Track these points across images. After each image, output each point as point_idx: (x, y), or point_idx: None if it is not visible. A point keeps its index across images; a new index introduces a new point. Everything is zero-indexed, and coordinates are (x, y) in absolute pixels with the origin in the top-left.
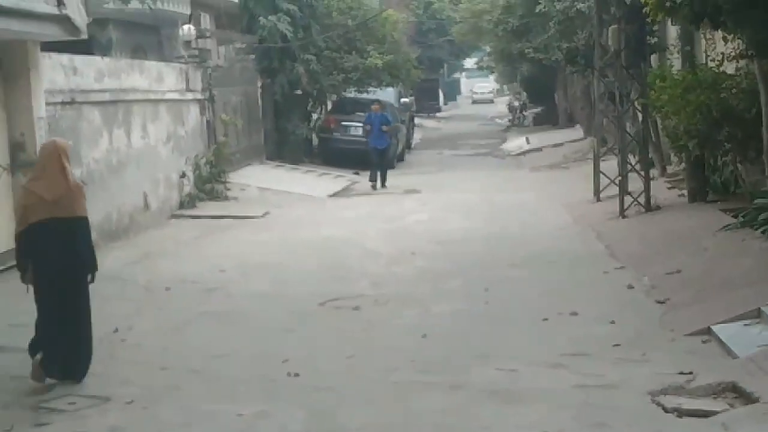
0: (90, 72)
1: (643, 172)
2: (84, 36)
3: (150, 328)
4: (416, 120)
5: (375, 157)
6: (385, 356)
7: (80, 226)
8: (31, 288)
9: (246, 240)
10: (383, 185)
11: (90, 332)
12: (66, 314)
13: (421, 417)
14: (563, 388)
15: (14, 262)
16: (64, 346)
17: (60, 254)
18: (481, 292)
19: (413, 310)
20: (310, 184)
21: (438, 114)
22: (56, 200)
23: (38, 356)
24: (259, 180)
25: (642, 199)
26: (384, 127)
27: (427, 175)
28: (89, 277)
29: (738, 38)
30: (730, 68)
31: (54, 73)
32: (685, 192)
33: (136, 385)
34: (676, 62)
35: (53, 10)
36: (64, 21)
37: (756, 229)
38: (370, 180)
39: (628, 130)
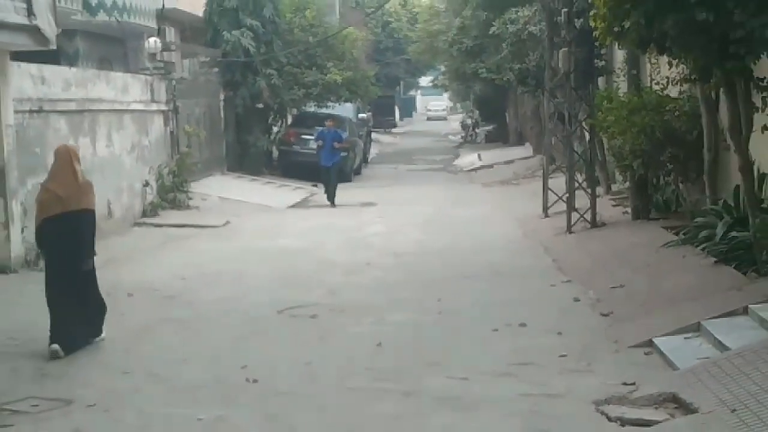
0: (58, 81)
1: (589, 190)
2: (53, 46)
3: (112, 334)
4: (373, 135)
5: (324, 175)
6: (341, 363)
7: (87, 217)
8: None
9: (207, 248)
10: (332, 202)
11: (102, 303)
12: (73, 288)
13: (374, 423)
14: (511, 396)
15: None
16: (70, 314)
17: (69, 241)
18: (434, 303)
19: (369, 319)
20: (270, 195)
21: (394, 129)
22: (68, 196)
23: (53, 346)
24: (220, 190)
25: (588, 216)
26: (336, 144)
27: (383, 188)
28: (88, 261)
29: (682, 63)
30: (673, 92)
31: (22, 81)
32: (629, 209)
33: (97, 388)
34: (622, 85)
35: (24, 20)
36: (34, 31)
37: (696, 246)
38: (328, 200)
39: (575, 149)
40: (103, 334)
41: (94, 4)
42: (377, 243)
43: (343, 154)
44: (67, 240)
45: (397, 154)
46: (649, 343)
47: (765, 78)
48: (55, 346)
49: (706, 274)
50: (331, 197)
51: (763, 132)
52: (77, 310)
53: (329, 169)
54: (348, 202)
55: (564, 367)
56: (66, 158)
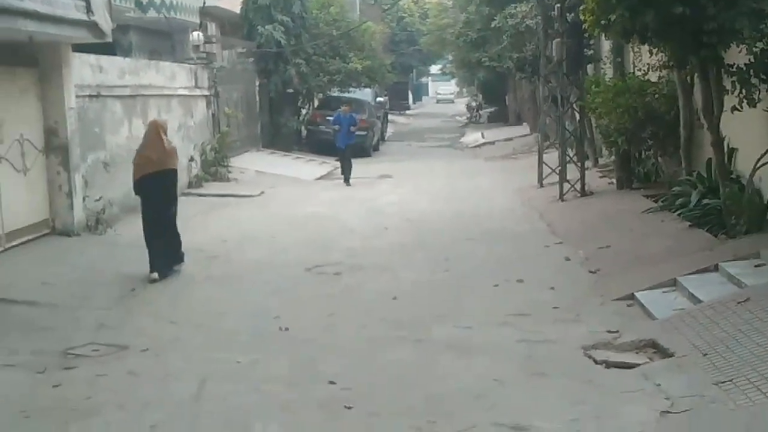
0: (113, 70)
1: (579, 163)
2: (109, 39)
3: (162, 288)
4: (389, 116)
5: (340, 156)
6: (361, 315)
7: (172, 174)
8: None
9: (244, 215)
10: (347, 182)
11: (179, 238)
12: (162, 228)
13: (390, 366)
14: (510, 343)
15: (47, 231)
16: (162, 247)
17: (159, 193)
18: (442, 262)
19: (385, 276)
20: (299, 169)
21: (408, 111)
22: (158, 159)
23: (153, 274)
24: (256, 164)
25: (578, 186)
26: (352, 128)
27: (398, 163)
28: (173, 207)
29: (661, 52)
30: (653, 77)
31: (83, 70)
32: (614, 180)
33: (149, 335)
34: (608, 71)
35: (83, 16)
36: (93, 26)
37: (673, 212)
38: (345, 181)
39: (567, 127)
40: (183, 262)
41: (145, 2)
42: (393, 210)
43: (361, 132)
44: (158, 191)
45: (410, 133)
46: (631, 297)
47: (734, 64)
48: (154, 274)
49: (681, 236)
50: (346, 177)
51: (732, 112)
52: (166, 244)
53: (344, 151)
54: (367, 175)
55: (556, 318)
56: (155, 130)
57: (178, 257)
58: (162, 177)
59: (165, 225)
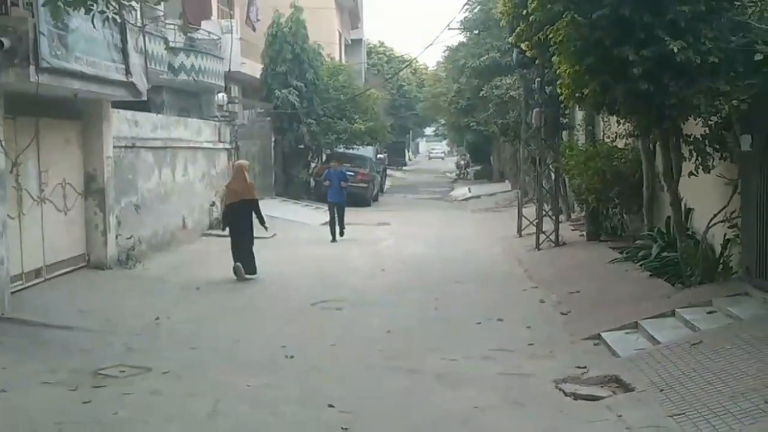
0: (147, 125)
1: (553, 217)
2: (144, 98)
3: (183, 318)
4: (388, 171)
5: (332, 212)
6: (359, 346)
7: (253, 203)
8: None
9: (258, 254)
10: (341, 234)
11: (253, 253)
12: (243, 244)
13: (385, 392)
14: (491, 375)
15: (83, 264)
16: (242, 259)
17: (241, 217)
18: (432, 301)
19: (382, 312)
20: (307, 215)
21: (404, 167)
22: (241, 190)
23: (236, 264)
24: (270, 210)
25: (553, 237)
26: (343, 183)
27: (395, 212)
28: (262, 226)
29: (628, 122)
30: (620, 143)
31: (120, 124)
32: (584, 233)
33: (171, 359)
34: (581, 137)
35: (122, 77)
36: (130, 86)
37: (636, 263)
38: (331, 234)
39: (543, 185)
40: (256, 274)
41: (177, 67)
42: (390, 253)
43: (362, 185)
44: (239, 216)
45: (406, 186)
46: (598, 336)
47: (692, 135)
48: (239, 264)
49: (643, 284)
50: (341, 229)
51: (689, 176)
52: (244, 258)
53: (335, 205)
54: (367, 222)
55: (532, 353)
56: (240, 169)
57: (253, 267)
58: (243, 205)
59: (244, 243)
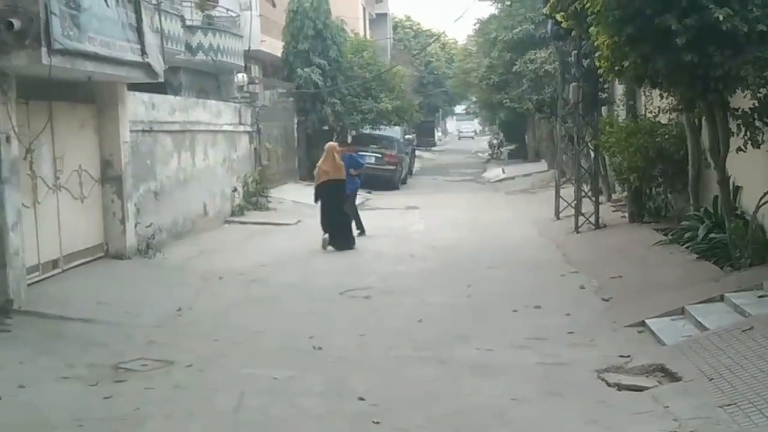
0: (165, 107)
1: (593, 198)
2: (161, 79)
3: (205, 309)
4: (417, 152)
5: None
6: (389, 336)
7: (342, 182)
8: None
9: (282, 242)
10: (360, 231)
11: (350, 228)
12: (335, 218)
13: (415, 384)
14: (528, 364)
15: (102, 254)
16: (335, 235)
17: (332, 196)
18: (465, 288)
19: (412, 300)
20: None
21: (433, 148)
22: (332, 171)
23: (325, 236)
24: (293, 195)
25: (592, 219)
26: (352, 171)
27: (424, 195)
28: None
29: (671, 96)
30: (663, 119)
31: (137, 107)
32: (626, 214)
33: (193, 352)
34: (621, 113)
35: (138, 58)
36: (146, 67)
37: (681, 245)
38: (359, 232)
39: (582, 164)
40: (354, 246)
41: (194, 46)
42: (419, 238)
43: (390, 167)
44: (331, 195)
45: (435, 167)
46: (642, 324)
47: (740, 108)
48: (326, 235)
49: (689, 267)
50: (359, 225)
51: (737, 152)
52: (338, 234)
53: (348, 195)
54: (395, 206)
55: (571, 342)
56: (331, 151)
57: (350, 241)
58: (333, 185)
59: (335, 218)
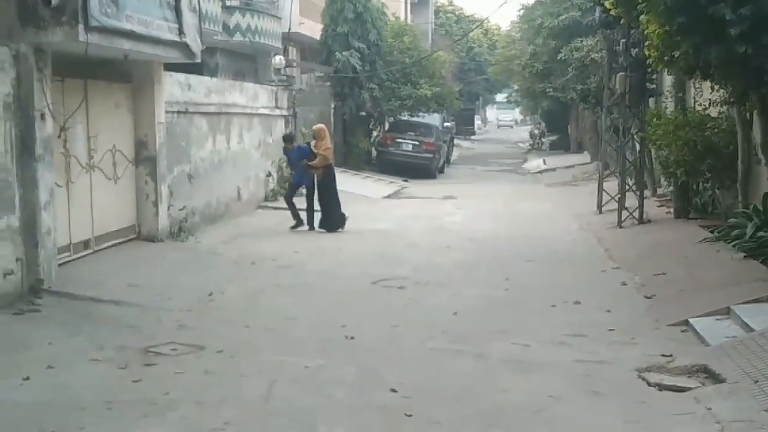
0: (201, 89)
1: (638, 192)
2: (198, 60)
3: (237, 294)
4: (455, 140)
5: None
6: (423, 328)
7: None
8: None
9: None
10: (298, 223)
11: (337, 210)
12: (334, 199)
13: (450, 378)
14: (566, 361)
15: (134, 236)
16: (331, 214)
17: (332, 175)
18: (502, 281)
19: (447, 292)
20: (369, 187)
21: (473, 137)
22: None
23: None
24: None
25: (636, 214)
26: (307, 162)
27: (462, 185)
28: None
29: (722, 88)
30: (713, 112)
31: (173, 87)
32: (671, 210)
33: (224, 338)
34: (670, 105)
35: (176, 38)
36: (184, 47)
37: (728, 243)
38: (308, 223)
39: (627, 157)
40: (341, 229)
41: (232, 27)
42: (456, 229)
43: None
44: (332, 176)
45: (474, 157)
46: (685, 323)
47: None
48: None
49: (736, 266)
50: (309, 219)
51: None
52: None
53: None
54: (432, 195)
55: (612, 340)
56: (324, 130)
57: (329, 224)
58: (332, 167)
59: (333, 198)
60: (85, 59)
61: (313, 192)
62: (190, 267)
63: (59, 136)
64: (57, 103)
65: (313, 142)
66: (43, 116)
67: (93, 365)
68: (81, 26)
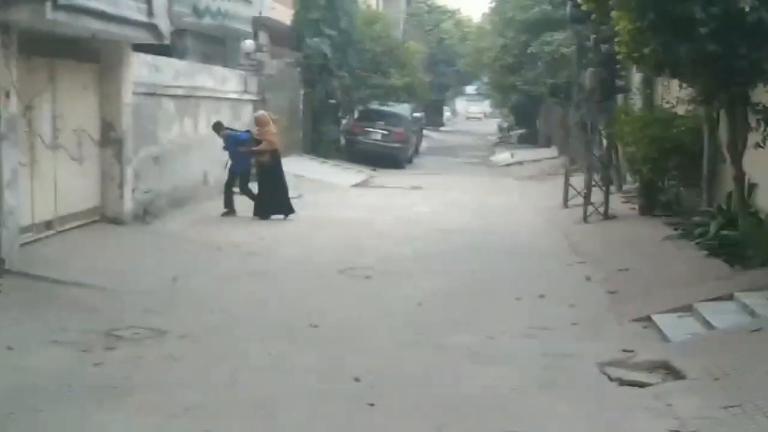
0: (169, 71)
1: (604, 188)
2: (166, 41)
3: (203, 279)
4: (424, 131)
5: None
6: (387, 317)
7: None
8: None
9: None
10: (227, 210)
11: (285, 197)
12: (282, 185)
13: (412, 368)
14: (529, 354)
15: (97, 218)
16: (278, 200)
17: (279, 162)
18: (468, 273)
19: (412, 282)
20: (337, 175)
21: (442, 128)
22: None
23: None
24: (297, 169)
25: (602, 209)
26: (244, 148)
27: (431, 176)
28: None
29: (690, 87)
30: (681, 110)
31: (141, 69)
32: (636, 206)
33: (188, 323)
34: (637, 102)
35: (144, 18)
36: (153, 28)
37: (692, 241)
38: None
39: (594, 153)
40: (290, 215)
41: (201, 9)
42: (423, 220)
43: (396, 145)
44: (279, 163)
45: (443, 148)
46: (648, 319)
47: (760, 103)
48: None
49: (699, 264)
50: (261, 210)
51: (755, 148)
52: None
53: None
54: (400, 185)
55: (575, 334)
56: (266, 118)
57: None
58: (277, 153)
59: (281, 185)
60: (52, 37)
61: (248, 178)
62: (155, 251)
63: (24, 115)
64: (23, 82)
65: (255, 129)
66: (7, 94)
67: (54, 347)
68: (48, 3)
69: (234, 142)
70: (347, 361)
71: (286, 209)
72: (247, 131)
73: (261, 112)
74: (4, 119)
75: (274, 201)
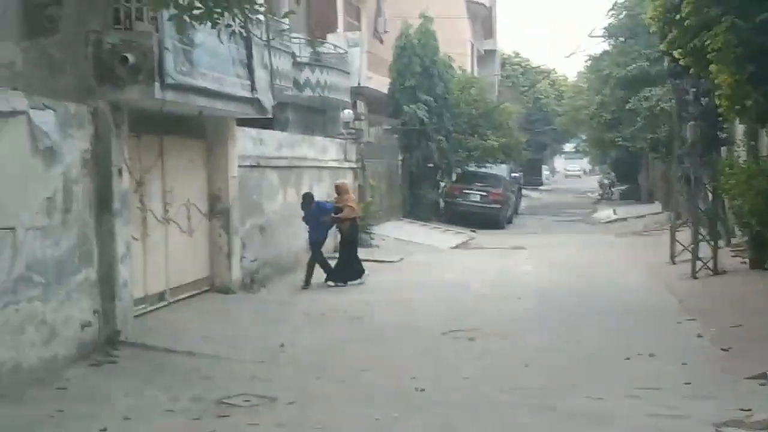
0: (272, 143)
1: (712, 242)
2: (270, 115)
3: (308, 345)
4: (523, 191)
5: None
6: (494, 380)
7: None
8: None
9: (385, 279)
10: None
11: (357, 263)
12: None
13: (523, 431)
14: (641, 416)
15: (207, 288)
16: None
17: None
18: (574, 333)
19: (518, 344)
20: (437, 238)
21: (541, 187)
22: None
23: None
24: (397, 233)
25: (710, 264)
26: (324, 218)
27: (531, 235)
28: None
29: None
30: None
31: (245, 142)
32: (746, 260)
33: (296, 389)
34: (742, 154)
35: (248, 94)
36: (256, 103)
37: None
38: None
39: (700, 207)
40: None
41: (302, 83)
42: (525, 280)
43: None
44: (356, 230)
45: (543, 207)
46: (764, 376)
47: None
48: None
49: None
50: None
51: None
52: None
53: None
54: (501, 245)
55: (687, 393)
56: (346, 186)
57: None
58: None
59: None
60: (161, 116)
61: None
62: (262, 318)
63: (136, 191)
64: (134, 159)
65: (334, 197)
66: (120, 171)
67: (168, 416)
68: (157, 84)
69: (322, 213)
70: (455, 426)
71: (361, 272)
72: (331, 202)
73: (341, 180)
74: (117, 195)
75: (351, 267)
